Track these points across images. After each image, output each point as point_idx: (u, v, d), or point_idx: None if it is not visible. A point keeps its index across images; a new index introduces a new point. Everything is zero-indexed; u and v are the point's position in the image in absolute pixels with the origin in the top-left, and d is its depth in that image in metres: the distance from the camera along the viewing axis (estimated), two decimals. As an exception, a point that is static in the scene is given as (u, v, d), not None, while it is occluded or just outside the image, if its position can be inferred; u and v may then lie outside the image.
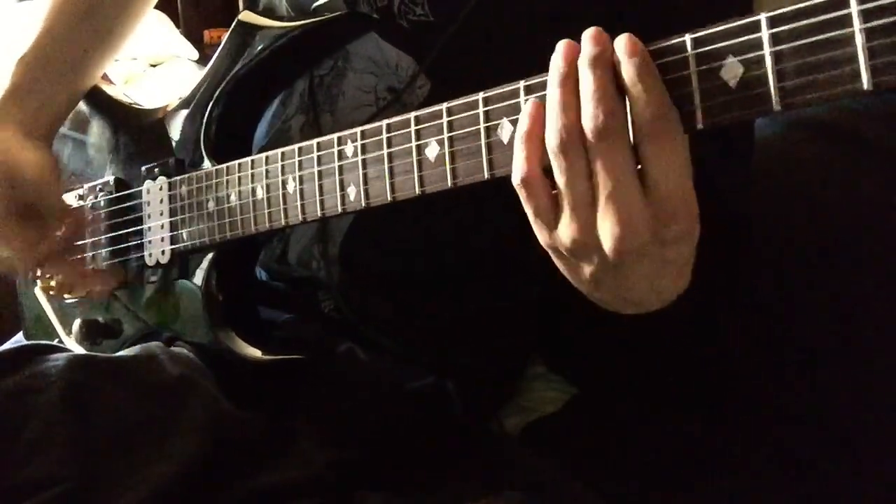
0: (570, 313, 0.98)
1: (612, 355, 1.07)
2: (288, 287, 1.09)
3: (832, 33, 0.50)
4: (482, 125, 0.69)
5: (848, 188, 1.12)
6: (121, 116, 1.19)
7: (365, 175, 0.79)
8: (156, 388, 0.94)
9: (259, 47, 1.00)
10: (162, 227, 1.05)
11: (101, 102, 1.21)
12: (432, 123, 0.73)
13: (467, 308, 1.04)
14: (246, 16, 1.03)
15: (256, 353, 1.00)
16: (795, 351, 1.10)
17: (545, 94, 0.63)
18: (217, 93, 1.03)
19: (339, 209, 0.82)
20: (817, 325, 1.09)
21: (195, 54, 2.29)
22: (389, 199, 0.77)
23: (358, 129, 0.80)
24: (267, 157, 0.91)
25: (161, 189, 1.06)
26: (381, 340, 1.05)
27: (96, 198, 1.16)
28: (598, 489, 0.96)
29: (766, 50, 0.53)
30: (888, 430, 1.03)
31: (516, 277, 1.03)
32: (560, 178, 0.62)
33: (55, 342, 1.20)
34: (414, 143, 0.74)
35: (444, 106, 0.72)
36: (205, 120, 1.03)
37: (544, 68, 0.64)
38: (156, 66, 2.16)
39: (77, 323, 1.15)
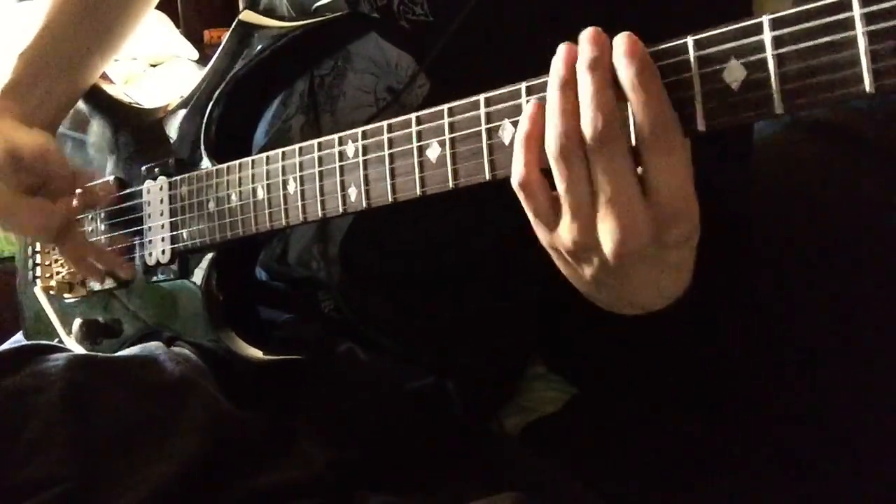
0: (570, 313, 0.98)
1: (612, 355, 1.07)
2: (288, 287, 1.09)
3: (835, 36, 0.50)
4: (483, 126, 0.69)
5: (848, 188, 1.12)
6: (121, 116, 1.19)
7: (366, 176, 0.79)
8: (156, 388, 0.94)
9: (259, 47, 1.00)
10: (162, 226, 1.05)
11: (102, 102, 1.21)
12: (434, 124, 0.73)
13: (467, 308, 1.04)
14: (247, 15, 1.02)
15: (257, 353, 1.00)
16: (795, 351, 1.10)
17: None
18: (217, 93, 1.03)
19: (341, 210, 0.82)
20: (817, 325, 1.09)
21: (195, 54, 2.29)
22: (390, 199, 0.77)
23: (359, 130, 0.80)
24: (267, 157, 0.91)
25: (161, 189, 1.06)
26: (381, 340, 1.05)
27: (96, 197, 1.16)
28: (598, 489, 0.96)
29: (769, 53, 0.53)
30: (888, 430, 1.03)
31: (516, 277, 1.03)
32: (560, 183, 0.62)
33: (55, 342, 1.20)
34: (415, 144, 0.74)
35: (446, 106, 0.72)
36: (205, 120, 1.03)
37: (544, 68, 0.64)
38: (156, 66, 2.16)
39: (77, 323, 1.15)
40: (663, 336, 0.92)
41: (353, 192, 0.81)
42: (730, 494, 1.00)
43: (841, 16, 0.49)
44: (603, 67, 0.60)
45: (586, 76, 0.60)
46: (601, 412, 1.11)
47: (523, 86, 0.66)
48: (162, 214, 1.05)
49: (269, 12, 1.02)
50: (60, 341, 1.21)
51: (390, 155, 0.77)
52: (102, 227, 1.15)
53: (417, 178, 0.74)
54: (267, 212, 0.91)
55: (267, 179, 0.91)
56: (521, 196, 0.64)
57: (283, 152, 0.89)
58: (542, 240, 0.66)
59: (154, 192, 1.07)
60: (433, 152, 0.73)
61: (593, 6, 0.84)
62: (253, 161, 0.93)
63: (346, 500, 0.89)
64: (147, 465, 0.84)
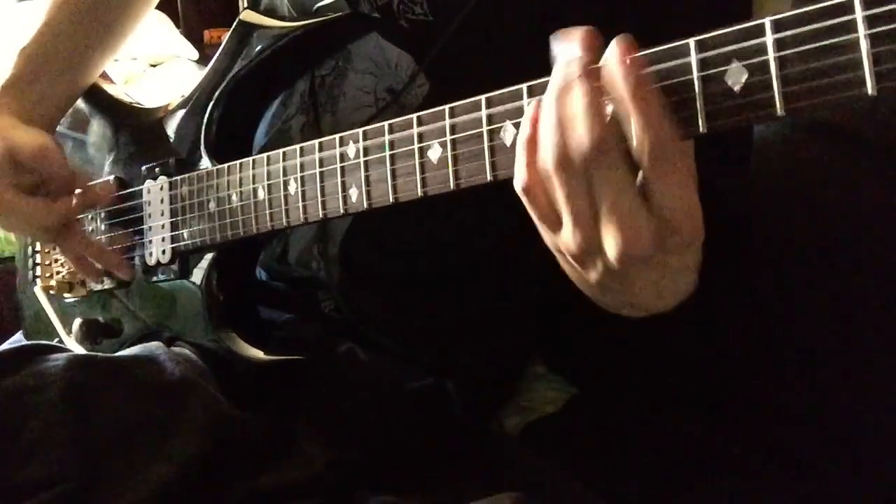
0: (570, 313, 0.98)
1: (612, 355, 1.06)
2: (288, 287, 1.09)
3: (837, 39, 0.50)
4: (485, 128, 0.69)
5: (848, 188, 1.12)
6: (121, 116, 1.19)
7: (367, 177, 0.79)
8: (156, 388, 0.94)
9: (260, 47, 1.00)
10: (162, 226, 1.05)
11: (102, 102, 1.21)
12: (435, 125, 0.73)
13: (467, 308, 1.04)
14: (247, 15, 1.02)
15: (257, 353, 1.00)
16: (795, 351, 1.10)
17: None
18: (218, 93, 1.03)
19: (342, 210, 0.82)
20: (817, 325, 1.09)
21: (195, 54, 2.29)
22: (392, 200, 0.77)
23: (360, 130, 0.80)
24: (268, 158, 0.91)
25: (162, 189, 1.06)
26: (381, 340, 1.05)
27: (96, 197, 1.15)
28: (598, 489, 0.96)
29: (771, 55, 0.53)
30: (888, 430, 1.03)
31: (516, 277, 1.03)
32: (558, 194, 0.61)
33: (55, 342, 1.20)
34: (416, 146, 0.74)
35: (447, 107, 0.72)
36: (205, 120, 1.03)
37: (544, 68, 0.63)
38: (156, 66, 2.16)
39: (77, 323, 1.15)
40: (663, 336, 0.92)
41: (354, 193, 0.81)
42: (730, 494, 1.00)
43: (843, 18, 0.49)
44: (596, 76, 0.59)
45: (578, 87, 0.59)
46: (601, 412, 1.11)
47: (525, 87, 0.66)
48: (162, 214, 1.05)
49: (270, 12, 1.02)
50: (60, 341, 1.21)
51: (391, 156, 0.77)
52: (103, 227, 1.15)
53: (419, 178, 0.74)
54: (268, 212, 0.91)
55: (268, 180, 0.91)
56: (524, 200, 0.64)
57: (284, 152, 0.89)
58: (548, 242, 0.66)
59: (154, 191, 1.07)
60: (434, 153, 0.73)
61: (593, 6, 0.83)
62: (254, 161, 0.93)
63: (346, 500, 0.89)
64: (147, 465, 0.84)
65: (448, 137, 0.71)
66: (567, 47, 0.61)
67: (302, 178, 0.86)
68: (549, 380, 1.15)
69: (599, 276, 0.64)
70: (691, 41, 0.57)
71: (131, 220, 1.10)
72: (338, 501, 0.89)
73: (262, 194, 0.92)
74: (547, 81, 0.63)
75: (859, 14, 0.49)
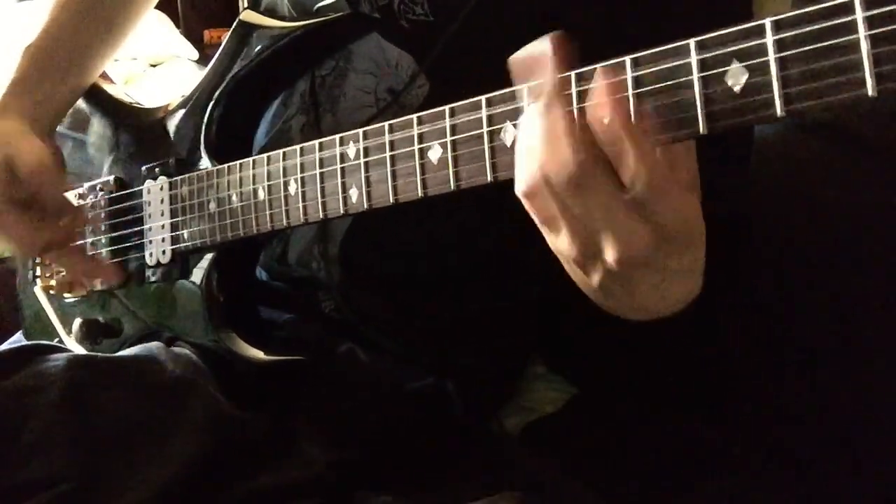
0: (570, 313, 0.98)
1: (612, 355, 1.06)
2: (288, 287, 1.09)
3: (837, 39, 0.50)
4: (485, 129, 0.69)
5: (848, 188, 1.12)
6: (121, 116, 1.19)
7: (367, 178, 0.79)
8: (156, 388, 0.94)
9: (260, 47, 1.00)
10: (163, 226, 1.05)
11: (102, 102, 1.21)
12: (435, 125, 0.73)
13: (468, 308, 1.04)
14: (247, 15, 1.02)
15: (257, 353, 1.00)
16: (795, 351, 1.10)
17: None
18: (218, 93, 1.03)
19: (342, 211, 0.82)
20: (817, 325, 1.09)
21: (195, 54, 2.29)
22: (392, 201, 0.77)
23: (360, 130, 0.80)
24: (268, 158, 0.91)
25: (162, 189, 1.06)
26: (381, 341, 1.05)
27: (96, 197, 1.16)
28: (598, 489, 0.95)
29: (771, 56, 0.53)
30: (888, 430, 1.03)
31: (516, 277, 1.03)
32: (551, 204, 0.61)
33: (55, 342, 1.19)
34: (417, 147, 0.74)
35: (447, 108, 0.72)
36: (205, 120, 1.03)
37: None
38: (156, 66, 2.16)
39: (77, 322, 1.15)
40: (664, 336, 0.91)
41: (354, 194, 0.81)
42: (730, 494, 1.00)
43: (844, 19, 0.49)
44: (568, 102, 0.58)
45: (557, 108, 0.59)
46: (601, 412, 1.11)
47: (525, 87, 0.66)
48: (162, 214, 1.05)
49: (270, 12, 1.02)
50: (60, 341, 1.21)
51: (392, 157, 0.77)
52: (103, 228, 1.15)
53: (419, 179, 0.74)
54: (268, 212, 0.91)
55: (268, 180, 0.91)
56: (525, 204, 0.64)
57: (284, 153, 0.89)
58: (551, 244, 0.66)
59: (154, 192, 1.07)
60: (435, 154, 0.73)
61: (593, 6, 0.83)
62: (254, 161, 0.93)
63: (347, 500, 0.89)
64: (147, 465, 0.85)
65: (448, 138, 0.71)
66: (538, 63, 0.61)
67: (302, 178, 0.86)
68: (549, 380, 1.14)
69: (601, 279, 0.64)
70: (691, 41, 0.57)
71: (131, 220, 1.10)
72: (338, 501, 0.89)
73: (262, 194, 0.92)
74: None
75: (860, 15, 0.49)
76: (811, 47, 0.51)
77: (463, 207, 0.93)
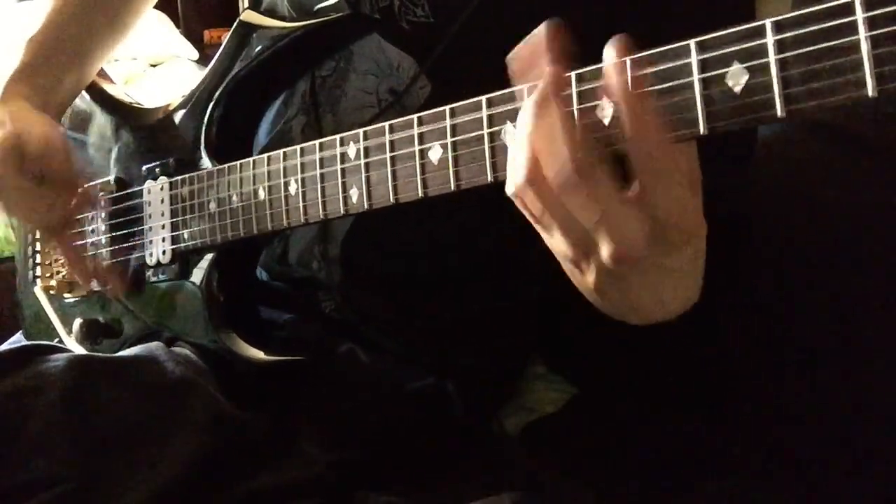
0: (570, 313, 0.98)
1: (612, 355, 1.06)
2: (289, 287, 1.09)
3: (838, 40, 0.50)
4: (486, 129, 0.69)
5: (848, 188, 1.12)
6: (121, 116, 1.19)
7: (368, 178, 0.79)
8: (156, 388, 0.94)
9: (260, 47, 1.00)
10: (163, 226, 1.05)
11: (102, 102, 1.21)
12: (435, 126, 0.73)
13: (468, 308, 1.04)
14: (248, 16, 1.02)
15: (257, 353, 1.00)
16: (795, 351, 1.10)
17: None
18: (218, 93, 1.03)
19: (342, 211, 0.82)
20: (817, 325, 1.09)
21: (195, 54, 2.29)
22: (392, 201, 0.77)
23: (360, 131, 0.80)
24: (269, 158, 0.91)
25: (162, 189, 1.06)
26: (381, 341, 1.05)
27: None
28: (598, 489, 0.95)
29: (772, 57, 0.53)
30: (888, 430, 1.03)
31: (516, 278, 1.03)
32: (536, 206, 0.61)
33: (55, 342, 1.20)
34: (417, 147, 0.74)
35: (447, 108, 0.72)
36: (206, 120, 1.03)
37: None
38: (156, 66, 2.16)
39: (77, 323, 1.15)
40: (663, 336, 0.92)
41: (354, 194, 0.81)
42: (730, 494, 1.00)
43: (845, 20, 0.49)
44: (562, 100, 0.58)
45: (545, 108, 0.59)
46: (601, 412, 1.11)
47: (525, 87, 0.66)
48: (163, 215, 1.05)
49: (271, 13, 1.02)
50: (60, 341, 1.21)
51: (392, 157, 0.77)
52: (103, 227, 1.15)
53: (419, 179, 0.74)
54: (268, 212, 0.91)
55: (268, 180, 0.91)
56: (517, 203, 0.64)
57: (285, 153, 0.89)
58: (547, 243, 0.66)
59: (155, 192, 1.07)
60: (435, 154, 0.73)
61: (594, 7, 0.83)
62: (254, 161, 0.93)
63: (347, 500, 0.89)
64: (147, 465, 0.85)
65: (449, 139, 0.71)
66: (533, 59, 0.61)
67: (302, 178, 0.86)
68: (549, 380, 1.14)
69: (596, 278, 0.64)
70: (692, 42, 0.57)
71: (132, 220, 1.10)
72: (338, 501, 0.89)
73: (262, 195, 0.92)
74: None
75: (860, 16, 0.49)
76: (812, 48, 0.51)
77: (463, 208, 0.93)
